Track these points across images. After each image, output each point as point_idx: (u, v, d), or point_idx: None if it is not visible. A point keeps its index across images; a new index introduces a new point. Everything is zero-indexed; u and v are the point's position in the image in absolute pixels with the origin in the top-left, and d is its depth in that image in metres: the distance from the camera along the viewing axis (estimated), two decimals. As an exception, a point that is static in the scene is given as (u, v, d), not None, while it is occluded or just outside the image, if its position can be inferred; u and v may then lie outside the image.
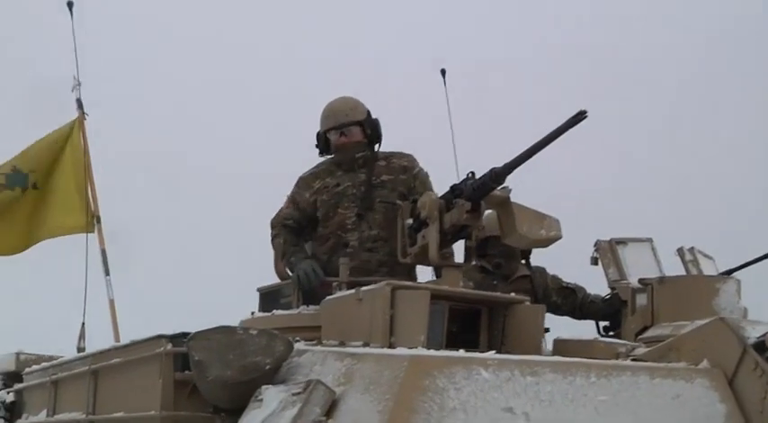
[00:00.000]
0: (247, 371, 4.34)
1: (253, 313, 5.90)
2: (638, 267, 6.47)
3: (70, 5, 9.28)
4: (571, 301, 6.96)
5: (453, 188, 5.05)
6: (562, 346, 4.68)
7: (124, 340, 7.97)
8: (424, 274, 6.02)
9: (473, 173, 5.01)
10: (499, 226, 5.09)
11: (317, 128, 6.15)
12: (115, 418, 5.17)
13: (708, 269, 6.68)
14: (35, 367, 6.76)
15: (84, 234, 9.11)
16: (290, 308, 5.64)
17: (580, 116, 4.35)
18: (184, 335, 4.73)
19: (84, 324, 8.12)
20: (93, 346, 8.17)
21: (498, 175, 4.77)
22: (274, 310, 5.58)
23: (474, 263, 5.93)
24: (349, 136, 6.00)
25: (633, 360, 4.29)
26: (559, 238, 5.05)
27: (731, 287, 5.65)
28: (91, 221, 9.20)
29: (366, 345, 4.43)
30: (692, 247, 6.75)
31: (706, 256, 6.82)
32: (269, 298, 5.97)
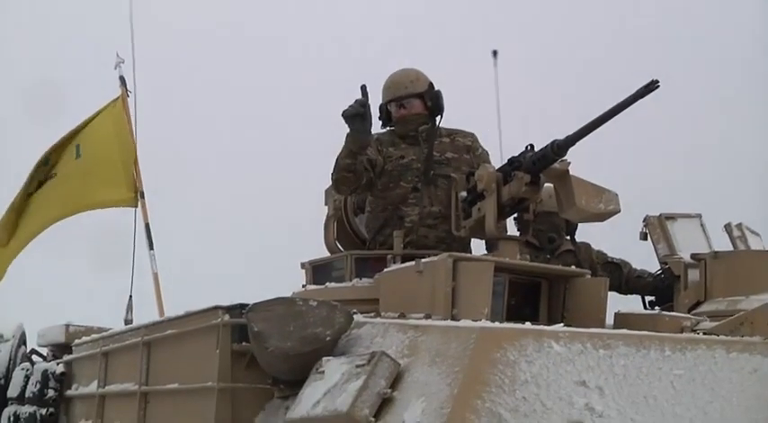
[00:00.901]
0: (307, 342, 4.17)
1: (304, 286, 5.73)
2: (687, 243, 6.27)
3: None
4: (617, 276, 6.73)
5: (511, 161, 4.86)
6: (623, 320, 4.48)
7: (168, 313, 7.89)
8: (476, 249, 5.81)
9: (532, 146, 4.82)
10: (557, 199, 4.90)
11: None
12: (171, 389, 5.00)
13: (755, 245, 6.49)
14: (85, 339, 6.60)
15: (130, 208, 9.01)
16: (343, 281, 5.45)
17: (652, 86, 4.13)
18: (242, 306, 4.57)
19: (131, 297, 7.96)
20: (137, 318, 8.05)
21: (560, 147, 4.57)
22: (327, 283, 5.38)
23: None
24: (408, 108, 5.75)
25: (705, 334, 4.08)
26: (618, 211, 4.85)
27: (785, 262, 5.44)
28: (135, 196, 9.05)
29: (428, 317, 4.25)
30: (740, 223, 6.56)
31: (753, 232, 6.63)
32: (320, 271, 5.78)
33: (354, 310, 4.63)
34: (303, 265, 6.53)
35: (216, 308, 4.67)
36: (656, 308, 6.44)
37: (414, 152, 5.72)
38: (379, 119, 5.92)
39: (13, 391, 6.95)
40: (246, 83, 16.12)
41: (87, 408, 6.20)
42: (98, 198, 9.01)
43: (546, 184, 5.00)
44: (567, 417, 3.35)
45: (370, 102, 5.22)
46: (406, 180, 5.69)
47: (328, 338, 4.19)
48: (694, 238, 6.32)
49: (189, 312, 4.97)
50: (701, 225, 6.43)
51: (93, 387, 6.09)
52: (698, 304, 5.50)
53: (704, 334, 4.05)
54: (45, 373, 6.66)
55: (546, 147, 4.64)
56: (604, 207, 4.80)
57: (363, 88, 5.19)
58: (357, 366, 3.81)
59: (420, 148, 5.73)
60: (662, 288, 6.28)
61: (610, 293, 6.74)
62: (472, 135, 5.89)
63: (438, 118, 5.81)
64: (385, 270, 4.86)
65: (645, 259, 6.73)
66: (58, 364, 6.74)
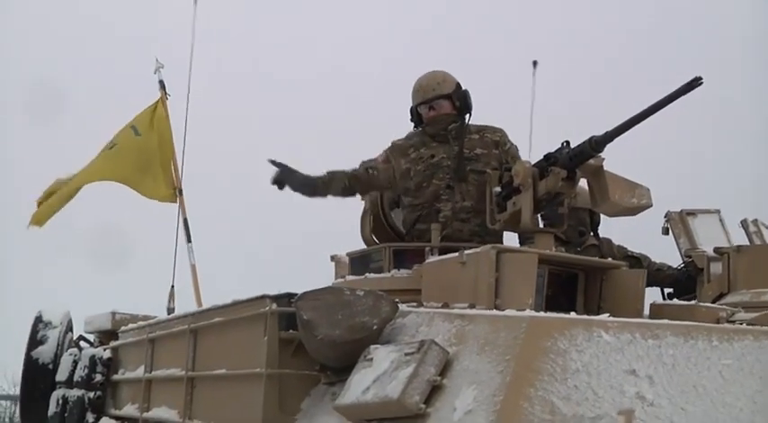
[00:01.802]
0: (355, 330, 3.98)
1: (344, 277, 5.54)
2: (707, 237, 6.09)
3: None
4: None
5: (547, 157, 4.66)
6: (659, 311, 4.27)
7: (204, 302, 7.74)
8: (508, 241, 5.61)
9: (568, 142, 4.63)
10: (590, 194, 4.71)
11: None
12: (218, 375, 4.82)
13: (775, 239, 6.31)
14: (131, 326, 6.44)
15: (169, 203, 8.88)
16: (381, 272, 5.26)
17: (695, 83, 3.92)
18: (288, 295, 4.39)
19: (173, 287, 7.82)
20: (178, 307, 7.90)
21: (598, 143, 4.38)
22: (367, 274, 5.19)
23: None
24: (438, 109, 5.58)
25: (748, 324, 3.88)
26: (650, 206, 4.67)
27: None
28: (174, 193, 8.92)
29: (471, 307, 4.05)
30: (756, 219, 6.37)
31: (767, 227, 6.44)
32: (358, 262, 5.60)
33: (396, 300, 4.45)
34: (333, 258, 6.36)
35: (263, 297, 4.49)
36: (674, 299, 6.26)
37: (444, 150, 5.55)
38: (411, 121, 5.77)
39: (61, 376, 6.82)
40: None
41: (134, 391, 6.04)
42: (143, 184, 8.87)
43: None
44: (618, 405, 3.15)
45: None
46: (438, 178, 5.52)
47: (375, 327, 4.01)
48: (714, 232, 6.14)
49: (236, 301, 4.78)
50: (720, 220, 6.25)
51: (139, 372, 5.93)
52: (721, 296, 5.31)
53: (747, 325, 3.84)
54: (93, 359, 6.52)
55: (584, 143, 4.44)
56: (637, 201, 4.62)
57: (273, 162, 5.45)
58: (406, 354, 3.62)
59: (450, 146, 5.56)
60: (682, 280, 6.10)
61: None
62: (501, 130, 5.70)
63: (467, 116, 5.64)
64: (427, 261, 4.67)
65: (663, 254, 6.56)
66: (105, 349, 6.58)
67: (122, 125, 9.14)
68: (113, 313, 6.84)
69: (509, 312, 3.66)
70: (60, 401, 6.67)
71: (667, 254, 6.56)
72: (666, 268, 6.42)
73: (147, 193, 8.87)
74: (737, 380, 3.28)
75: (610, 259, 4.52)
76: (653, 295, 6.50)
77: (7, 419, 21.20)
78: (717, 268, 5.57)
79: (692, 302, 4.57)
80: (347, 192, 5.61)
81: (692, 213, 6.21)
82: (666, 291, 6.44)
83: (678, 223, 6.13)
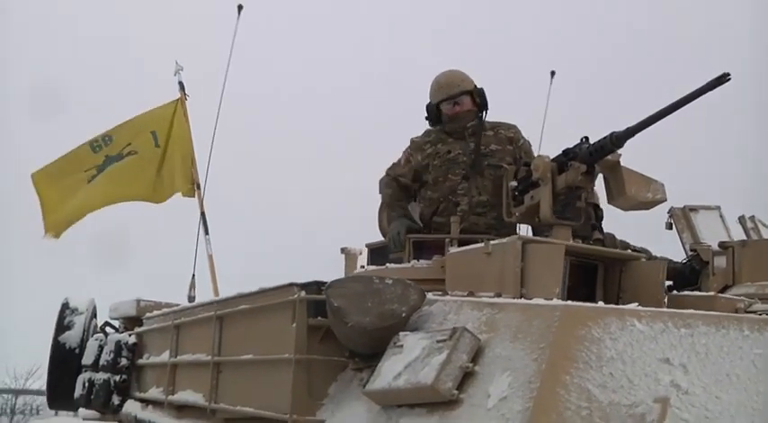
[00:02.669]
0: (385, 317, 3.79)
1: (363, 267, 5.35)
2: (708, 233, 5.93)
3: (240, 7, 8.78)
4: None
5: (566, 152, 4.48)
6: (678, 301, 4.08)
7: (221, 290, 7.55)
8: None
9: (587, 137, 4.44)
10: (606, 188, 4.52)
11: (427, 100, 5.56)
12: (245, 360, 4.61)
13: (766, 235, 6.15)
14: (156, 312, 6.23)
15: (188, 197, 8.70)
16: (399, 262, 5.06)
17: (723, 79, 3.71)
18: (317, 283, 4.19)
19: (194, 276, 7.63)
20: (197, 295, 7.71)
21: (619, 138, 4.19)
22: (387, 264, 5.00)
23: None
24: (461, 105, 5.43)
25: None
26: (665, 200, 4.50)
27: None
28: (193, 187, 8.74)
29: (498, 296, 3.86)
30: (753, 216, 6.22)
31: (764, 224, 6.29)
32: (377, 253, 5.43)
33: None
34: (343, 250, 6.15)
35: (291, 285, 4.28)
36: (674, 292, 6.10)
37: (460, 146, 5.40)
38: (427, 119, 5.59)
39: (87, 360, 6.63)
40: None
41: (158, 375, 5.83)
42: (162, 187, 8.68)
43: None
44: (653, 393, 2.97)
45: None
46: (454, 173, 5.36)
47: (404, 314, 3.81)
48: (714, 228, 5.98)
49: (263, 289, 4.57)
50: (721, 216, 6.10)
51: (164, 357, 5.71)
52: (725, 289, 5.16)
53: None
54: (118, 344, 6.31)
55: (604, 138, 4.26)
56: (652, 196, 4.44)
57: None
58: (438, 341, 3.43)
59: (466, 142, 5.41)
60: (685, 273, 5.92)
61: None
62: (514, 127, 5.54)
63: (484, 113, 5.48)
64: (452, 251, 4.47)
65: (661, 248, 6.39)
66: (130, 335, 6.37)
67: (134, 116, 8.92)
68: (138, 300, 6.63)
69: (539, 301, 3.47)
70: (86, 384, 6.47)
71: (665, 248, 6.39)
72: (681, 261, 6.25)
73: (173, 191, 8.67)
74: (770, 369, 3.09)
75: (630, 251, 4.31)
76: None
77: (8, 411, 21.07)
78: (720, 262, 5.44)
79: (711, 293, 4.39)
80: (401, 208, 5.49)
81: (694, 209, 6.05)
82: (668, 283, 6.27)
83: (681, 219, 5.98)
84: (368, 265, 5.42)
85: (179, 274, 8.41)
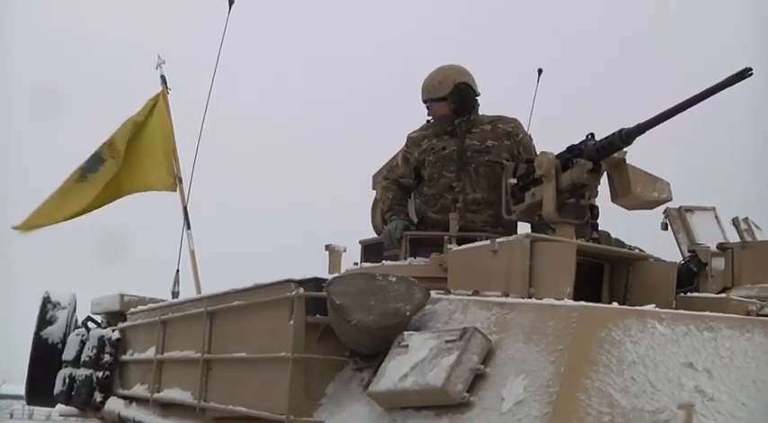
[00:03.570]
0: (389, 316, 3.60)
1: (356, 264, 5.16)
2: (703, 234, 5.79)
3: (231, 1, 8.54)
4: None
5: (571, 149, 4.31)
6: (688, 303, 3.92)
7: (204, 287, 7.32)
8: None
9: (593, 134, 4.27)
10: (610, 187, 4.37)
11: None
12: (237, 358, 4.40)
13: (760, 237, 6.03)
14: (141, 308, 5.99)
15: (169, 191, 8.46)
16: (394, 260, 4.88)
17: (745, 73, 3.54)
18: (315, 280, 3.99)
19: (178, 271, 7.39)
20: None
21: (629, 134, 4.03)
22: (384, 261, 4.81)
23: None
24: (433, 110, 5.28)
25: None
26: (670, 200, 4.37)
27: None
28: (175, 182, 8.50)
29: (505, 295, 3.68)
30: (746, 218, 6.10)
31: (756, 226, 6.17)
32: (371, 250, 5.24)
33: (422, 287, 4.07)
34: (327, 247, 5.96)
35: (288, 281, 4.08)
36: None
37: (455, 143, 5.23)
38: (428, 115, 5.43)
39: (68, 355, 6.38)
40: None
41: (143, 372, 5.60)
42: (144, 181, 8.44)
43: None
44: (677, 399, 2.80)
45: None
46: (448, 170, 5.19)
47: (408, 313, 3.63)
48: (710, 229, 5.84)
49: (258, 285, 4.36)
50: (716, 217, 5.96)
51: (150, 353, 5.48)
52: (724, 290, 5.00)
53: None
54: (101, 339, 6.07)
55: (613, 134, 4.10)
56: (657, 195, 4.32)
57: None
58: (447, 341, 3.25)
59: (460, 139, 5.22)
60: (682, 274, 5.77)
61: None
62: (514, 121, 5.36)
63: (472, 113, 5.27)
64: (453, 249, 4.29)
65: (658, 249, 6.26)
66: (113, 330, 6.13)
67: (120, 124, 8.67)
68: (122, 295, 6.38)
69: (552, 301, 3.29)
70: (67, 380, 6.23)
71: (659, 249, 6.25)
72: (681, 262, 6.12)
73: (147, 186, 8.43)
74: (797, 374, 2.94)
75: (638, 251, 4.15)
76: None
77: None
78: (717, 264, 5.28)
79: (722, 295, 4.23)
80: (402, 211, 5.35)
81: (690, 210, 5.91)
82: None
83: (677, 219, 5.83)
84: (362, 262, 5.22)
85: (163, 269, 8.19)
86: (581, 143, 4.27)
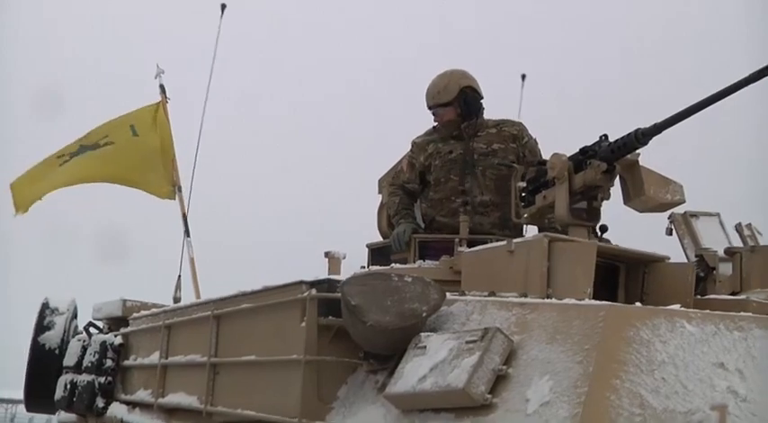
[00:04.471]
0: (405, 317, 3.48)
1: (363, 267, 5.04)
2: (707, 239, 5.67)
3: (223, 7, 8.40)
4: None
5: (584, 150, 4.19)
6: (706, 304, 3.79)
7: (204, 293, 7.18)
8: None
9: (606, 135, 4.15)
10: (622, 188, 4.24)
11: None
12: (246, 361, 4.27)
13: (763, 243, 5.91)
14: (144, 312, 5.85)
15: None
16: (405, 263, 4.75)
17: (766, 70, 3.42)
18: (328, 281, 3.87)
19: (179, 277, 7.23)
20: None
21: (645, 134, 3.91)
22: (392, 265, 4.68)
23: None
24: (440, 116, 5.16)
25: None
26: (683, 202, 4.23)
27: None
28: (174, 190, 8.35)
29: (524, 296, 3.55)
30: (749, 223, 5.97)
31: (758, 232, 6.06)
32: (378, 253, 5.11)
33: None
34: (327, 254, 5.83)
35: (300, 282, 3.96)
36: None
37: (461, 147, 5.13)
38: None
39: (69, 361, 6.22)
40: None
41: (147, 377, 5.45)
42: (145, 182, 8.29)
43: None
44: (710, 400, 2.69)
45: None
46: (455, 173, 5.08)
47: (425, 314, 3.51)
48: (714, 234, 5.72)
49: (267, 287, 4.24)
50: (720, 223, 5.84)
51: (154, 358, 5.34)
52: (732, 295, 4.88)
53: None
54: (104, 344, 5.92)
55: (628, 135, 3.97)
56: (671, 197, 4.16)
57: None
58: (468, 342, 3.13)
59: (466, 142, 5.12)
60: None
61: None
62: (519, 124, 5.27)
63: (477, 116, 5.16)
64: (467, 251, 4.16)
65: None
66: (116, 335, 5.98)
67: (113, 117, 8.53)
68: (124, 300, 6.24)
69: (573, 301, 3.18)
70: (68, 386, 6.06)
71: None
72: None
73: (151, 189, 8.28)
74: (831, 375, 2.82)
75: (654, 252, 4.03)
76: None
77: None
78: (724, 269, 5.15)
79: (743, 297, 4.11)
80: (409, 215, 5.19)
81: (695, 215, 5.79)
82: None
83: (681, 225, 5.70)
84: (369, 265, 5.10)
85: (164, 275, 8.05)
86: (594, 144, 4.15)
